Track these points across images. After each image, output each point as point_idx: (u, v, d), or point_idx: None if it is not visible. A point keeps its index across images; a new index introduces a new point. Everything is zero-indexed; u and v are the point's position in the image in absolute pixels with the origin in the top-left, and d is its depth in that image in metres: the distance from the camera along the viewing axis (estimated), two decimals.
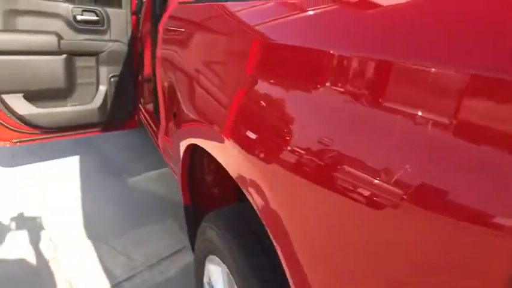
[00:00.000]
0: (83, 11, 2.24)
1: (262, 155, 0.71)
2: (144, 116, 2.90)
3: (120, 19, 2.40)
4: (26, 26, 2.06)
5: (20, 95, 2.12)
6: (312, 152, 0.59)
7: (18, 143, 2.28)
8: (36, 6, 2.08)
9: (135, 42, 2.50)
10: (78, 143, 3.51)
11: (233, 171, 0.88)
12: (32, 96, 2.16)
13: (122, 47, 2.39)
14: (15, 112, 2.11)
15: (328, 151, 0.55)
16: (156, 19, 2.42)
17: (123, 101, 2.55)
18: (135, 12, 2.47)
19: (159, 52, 1.62)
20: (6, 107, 2.10)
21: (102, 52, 2.32)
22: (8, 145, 2.23)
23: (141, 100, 2.84)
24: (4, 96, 2.07)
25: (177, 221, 2.43)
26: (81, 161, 3.22)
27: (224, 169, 0.96)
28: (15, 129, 2.19)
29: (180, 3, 1.54)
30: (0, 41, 1.96)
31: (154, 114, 2.43)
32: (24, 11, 2.03)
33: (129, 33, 2.47)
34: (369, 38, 0.54)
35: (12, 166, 3.02)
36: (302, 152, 0.61)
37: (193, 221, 1.51)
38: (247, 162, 0.76)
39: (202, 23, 1.30)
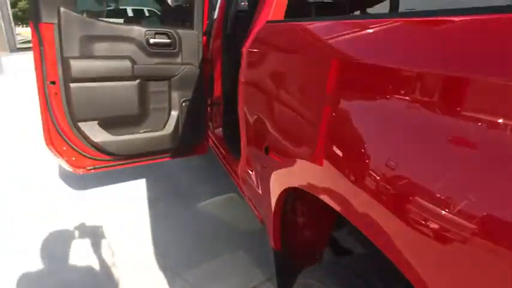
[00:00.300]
0: (156, 33, 2.18)
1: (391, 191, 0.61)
2: (213, 141, 2.79)
3: (191, 41, 2.31)
4: (100, 51, 2.03)
5: (95, 122, 2.08)
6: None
7: (92, 170, 2.25)
8: (111, 31, 2.05)
9: (205, 65, 2.40)
10: (144, 165, 3.49)
11: (353, 216, 0.75)
12: (106, 123, 2.11)
13: (193, 70, 2.30)
14: (90, 139, 2.07)
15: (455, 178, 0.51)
16: (228, 40, 2.32)
17: (194, 127, 2.45)
18: (206, 33, 2.37)
19: (244, 77, 1.47)
20: (82, 135, 2.06)
21: (175, 76, 2.25)
22: (81, 173, 2.20)
23: (210, 124, 2.73)
24: (80, 124, 2.04)
25: (248, 252, 2.26)
26: (148, 185, 3.18)
27: (321, 210, 0.89)
28: (90, 156, 2.16)
29: (268, 22, 1.38)
30: (78, 68, 1.93)
31: (227, 142, 2.30)
32: (98, 37, 2.00)
33: (200, 55, 2.37)
34: (462, 56, 0.54)
35: (82, 189, 3.04)
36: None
37: (284, 268, 1.33)
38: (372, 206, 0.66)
39: (299, 44, 1.12)
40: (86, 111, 2.04)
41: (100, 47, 2.03)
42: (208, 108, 2.64)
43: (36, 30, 1.88)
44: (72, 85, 1.95)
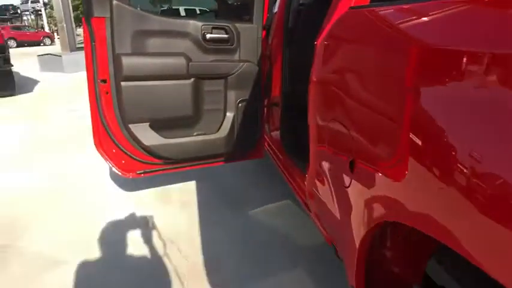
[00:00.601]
0: (213, 28, 1.99)
1: None
2: (269, 144, 2.58)
3: (250, 36, 2.11)
4: (153, 47, 1.88)
5: (146, 124, 1.93)
6: None
7: (142, 175, 2.11)
8: (165, 26, 1.89)
9: (263, 62, 2.19)
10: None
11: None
12: (157, 125, 1.96)
13: (251, 67, 2.09)
14: (141, 142, 1.93)
15: None
16: (290, 34, 2.10)
17: (250, 129, 2.25)
18: (265, 27, 2.16)
19: (317, 75, 1.23)
20: (132, 137, 1.93)
21: (232, 74, 2.05)
22: (131, 176, 2.07)
23: (266, 127, 2.52)
24: (131, 126, 1.90)
25: (306, 270, 2.02)
26: (198, 188, 3.03)
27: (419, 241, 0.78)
28: (140, 159, 2.02)
29: (353, 8, 1.12)
30: (130, 66, 1.79)
31: (286, 148, 2.07)
32: (152, 32, 1.85)
33: (259, 51, 2.16)
34: None
35: (129, 190, 2.95)
36: None
37: None
38: None
39: (398, 33, 0.87)
40: (137, 112, 1.90)
41: (153, 43, 1.88)
42: (265, 109, 2.42)
43: (88, 25, 1.76)
44: (123, 84, 1.81)
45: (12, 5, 36.43)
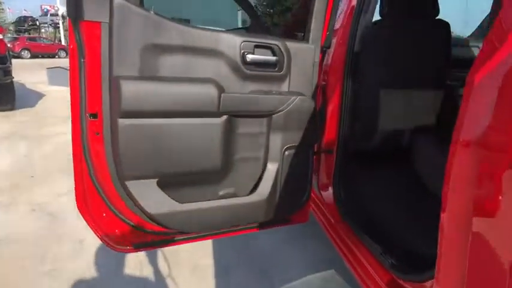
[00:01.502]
0: (256, 46, 1.39)
1: None
2: (317, 205, 1.94)
3: (305, 59, 1.52)
4: (169, 69, 1.28)
5: (153, 180, 1.31)
6: None
7: (141, 249, 1.48)
8: (189, 39, 1.28)
9: (317, 94, 1.58)
10: None
11: None
12: (169, 183, 1.34)
13: (305, 103, 1.49)
14: (144, 209, 1.29)
15: None
16: (356, 60, 1.52)
17: (297, 185, 1.64)
18: (324, 48, 1.55)
19: (481, 129, 0.60)
20: (132, 200, 1.30)
21: (278, 112, 1.44)
22: (124, 251, 1.44)
23: (314, 180, 1.89)
24: (130, 184, 1.27)
25: None
26: (215, 245, 2.38)
27: None
28: (141, 228, 1.38)
29: None
30: (132, 95, 1.19)
31: (342, 211, 1.47)
32: (170, 47, 1.25)
33: (315, 80, 1.55)
34: None
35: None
36: None
37: None
38: None
39: None
40: (140, 163, 1.29)
41: (170, 63, 1.29)
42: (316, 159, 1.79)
43: (75, 32, 1.16)
44: (121, 121, 1.20)
45: (31, 16, 36.96)
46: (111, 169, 1.29)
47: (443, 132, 1.21)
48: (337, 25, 1.80)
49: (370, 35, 1.75)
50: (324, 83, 1.80)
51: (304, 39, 1.59)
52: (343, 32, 1.76)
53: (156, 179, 1.34)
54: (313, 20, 1.54)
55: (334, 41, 1.77)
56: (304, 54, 1.54)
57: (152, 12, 1.32)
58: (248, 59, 1.41)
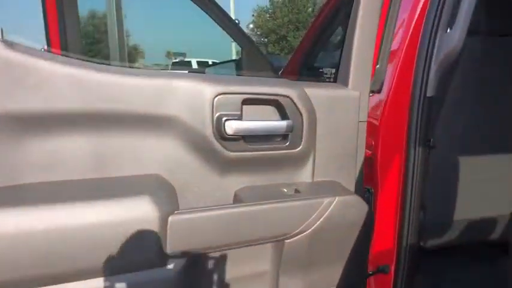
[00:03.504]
0: (246, 101, 0.63)
1: None
2: None
3: (341, 118, 0.74)
4: (53, 166, 0.56)
5: None
6: None
7: None
8: (98, 96, 0.53)
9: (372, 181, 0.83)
10: None
11: None
12: None
13: (348, 208, 0.71)
14: None
15: None
16: (428, 104, 0.87)
17: None
18: (373, 92, 0.81)
19: None
20: None
21: (295, 236, 0.65)
22: None
23: None
24: None
25: None
26: None
27: None
28: None
29: None
30: None
31: None
32: (52, 116, 0.48)
33: (361, 156, 0.79)
34: None
35: None
36: None
37: None
38: None
39: None
40: None
41: (49, 151, 0.53)
42: None
43: None
44: None
45: None
46: None
47: None
48: (392, 58, 1.07)
49: (456, 65, 1.01)
50: (369, 152, 1.04)
51: (337, 80, 0.85)
52: (403, 64, 1.02)
53: None
54: (357, 47, 0.81)
55: (386, 81, 1.02)
56: (340, 110, 0.80)
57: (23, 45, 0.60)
58: (230, 130, 0.67)
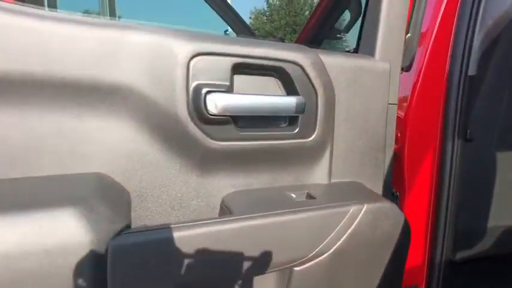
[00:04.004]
0: (239, 66, 0.40)
1: None
2: None
3: (366, 96, 0.52)
4: None
5: None
6: None
7: None
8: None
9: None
10: None
11: None
12: None
13: (380, 220, 0.49)
14: None
15: None
16: (470, 84, 0.66)
17: None
18: (404, 68, 0.59)
19: None
20: None
21: (305, 263, 0.45)
22: None
23: None
24: None
25: None
26: None
27: None
28: None
29: None
30: None
31: None
32: None
33: (391, 147, 0.57)
34: None
35: None
36: None
37: None
38: None
39: None
40: None
41: None
42: None
43: None
44: None
45: None
46: None
47: None
48: (425, 25, 0.86)
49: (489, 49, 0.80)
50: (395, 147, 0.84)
51: (358, 51, 0.65)
52: (440, 33, 0.81)
53: None
54: (387, 5, 0.61)
55: (417, 56, 0.81)
56: (365, 86, 0.59)
57: None
58: (214, 108, 0.45)
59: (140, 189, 0.47)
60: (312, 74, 0.53)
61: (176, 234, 0.43)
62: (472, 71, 0.75)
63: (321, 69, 0.55)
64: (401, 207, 0.85)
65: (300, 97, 0.52)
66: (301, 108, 0.52)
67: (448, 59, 0.76)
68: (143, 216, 0.48)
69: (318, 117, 0.55)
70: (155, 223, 0.49)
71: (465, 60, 0.74)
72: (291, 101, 0.51)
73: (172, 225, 0.43)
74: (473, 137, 0.88)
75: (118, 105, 0.44)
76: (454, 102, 0.76)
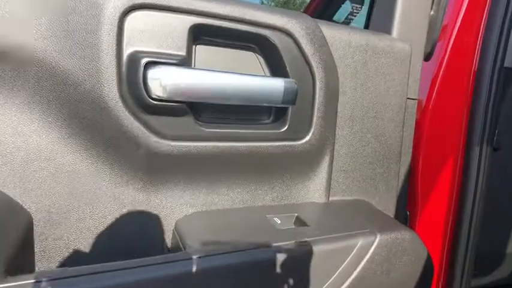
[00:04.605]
0: (200, 28, 0.24)
1: None
2: None
3: (376, 89, 0.35)
4: None
5: None
6: None
7: None
8: None
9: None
10: None
11: None
12: None
13: (392, 258, 0.30)
14: None
15: None
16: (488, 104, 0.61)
17: None
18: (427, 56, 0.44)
19: None
20: None
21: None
22: None
23: None
24: None
25: None
26: None
27: None
28: None
29: None
30: None
31: None
32: None
33: (408, 160, 0.41)
34: None
35: None
36: None
37: None
38: None
39: None
40: None
41: None
42: None
43: None
44: None
45: None
46: None
47: None
48: (451, 2, 0.71)
49: None
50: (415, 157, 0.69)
51: (369, 27, 0.49)
52: (468, 15, 0.66)
53: None
54: None
55: (439, 43, 0.67)
56: (377, 73, 0.43)
57: None
58: (159, 90, 0.28)
59: (49, 210, 0.32)
60: (308, 48, 0.38)
61: (101, 284, 0.27)
62: (509, 62, 0.61)
63: (322, 44, 0.39)
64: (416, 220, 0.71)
65: (291, 80, 0.37)
66: (291, 97, 0.36)
67: (478, 46, 0.62)
68: (53, 248, 0.32)
69: (315, 111, 0.40)
70: (72, 261, 0.33)
71: (501, 48, 0.59)
72: (278, 84, 0.36)
73: (97, 269, 0.28)
74: (500, 145, 0.73)
75: (6, 82, 0.29)
76: (484, 100, 0.61)
